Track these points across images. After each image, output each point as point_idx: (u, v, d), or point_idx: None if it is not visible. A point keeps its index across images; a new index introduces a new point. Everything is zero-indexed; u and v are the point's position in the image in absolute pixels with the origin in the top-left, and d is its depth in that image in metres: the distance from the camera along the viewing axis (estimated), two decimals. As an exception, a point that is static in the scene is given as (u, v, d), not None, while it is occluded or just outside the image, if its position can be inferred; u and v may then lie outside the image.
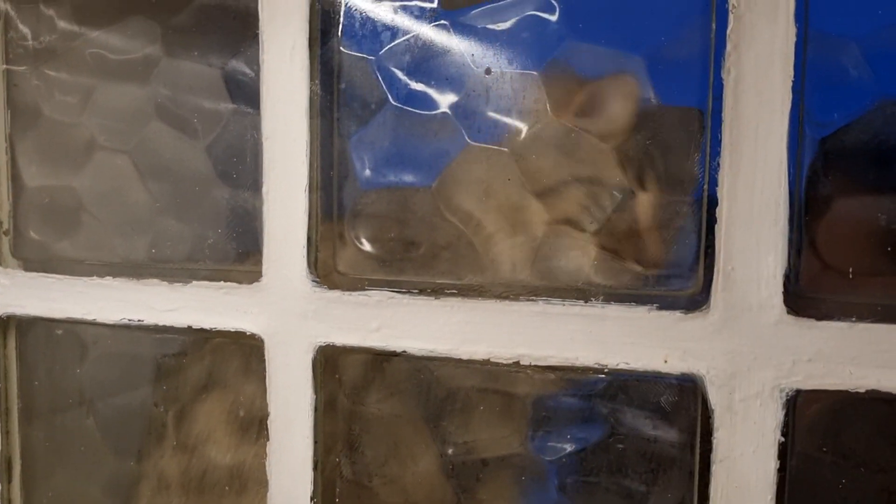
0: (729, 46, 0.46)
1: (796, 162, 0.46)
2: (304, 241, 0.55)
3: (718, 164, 0.47)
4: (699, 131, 0.49)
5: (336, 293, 0.55)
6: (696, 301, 0.48)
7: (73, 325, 0.65)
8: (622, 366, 0.49)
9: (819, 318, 0.46)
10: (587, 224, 0.51)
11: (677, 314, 0.48)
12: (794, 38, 0.45)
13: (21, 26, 0.65)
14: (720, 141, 0.46)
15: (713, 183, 0.47)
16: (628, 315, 0.49)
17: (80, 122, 0.64)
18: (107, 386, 0.66)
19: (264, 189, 0.56)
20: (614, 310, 0.49)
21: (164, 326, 0.60)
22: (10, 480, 0.68)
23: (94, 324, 0.62)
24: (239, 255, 0.60)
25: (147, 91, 0.61)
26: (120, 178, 0.63)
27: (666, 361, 0.48)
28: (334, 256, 0.57)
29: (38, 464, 0.68)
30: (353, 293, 0.54)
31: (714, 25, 0.48)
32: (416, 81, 0.54)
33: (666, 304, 0.48)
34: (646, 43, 0.49)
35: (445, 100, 0.53)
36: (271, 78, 0.55)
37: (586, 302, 0.49)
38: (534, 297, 0.51)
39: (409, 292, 0.53)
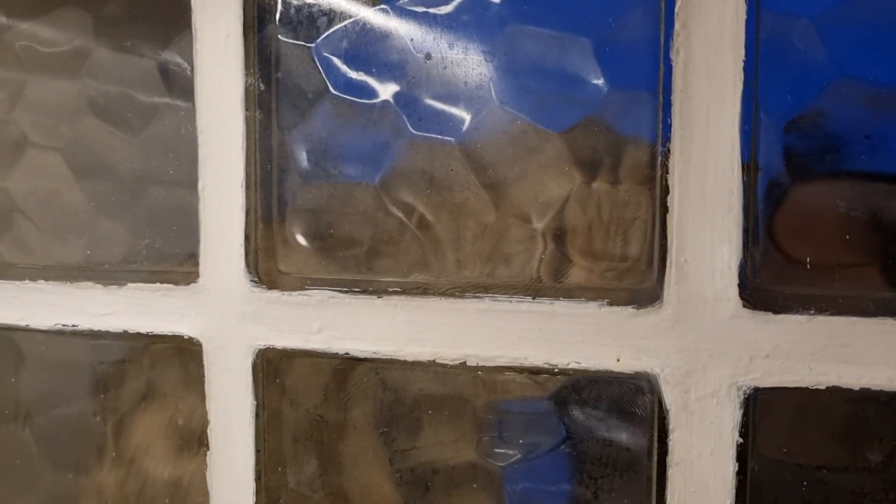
0: (677, 25, 0.43)
1: (751, 147, 0.44)
2: (241, 240, 0.52)
3: (669, 151, 0.44)
4: (649, 116, 0.46)
5: (275, 293, 0.52)
6: (649, 296, 0.46)
7: (6, 332, 0.62)
8: (573, 365, 0.46)
9: (777, 312, 0.43)
10: (535, 217, 0.48)
11: (629, 310, 0.45)
12: (744, 17, 0.43)
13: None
14: (671, 126, 0.44)
15: (664, 170, 0.45)
16: (578, 312, 0.46)
17: (11, 118, 0.61)
18: (43, 395, 0.63)
19: (200, 185, 0.53)
20: (564, 306, 0.46)
21: (100, 332, 0.57)
22: (-56, 497, 0.64)
23: (27, 330, 0.59)
24: (176, 256, 0.57)
25: (79, 85, 0.58)
26: (52, 178, 0.60)
27: (619, 360, 0.45)
28: (274, 255, 0.54)
29: (-25, 478, 0.65)
30: (293, 293, 0.51)
31: (663, 4, 0.45)
32: (356, 69, 0.51)
33: (617, 300, 0.46)
34: (593, 24, 0.47)
35: (386, 88, 0.50)
36: (205, 69, 0.52)
37: (535, 298, 0.47)
38: (480, 294, 0.48)
39: (350, 291, 0.51)
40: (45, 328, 0.58)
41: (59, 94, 0.59)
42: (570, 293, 0.47)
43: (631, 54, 0.46)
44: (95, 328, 0.57)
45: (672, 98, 0.44)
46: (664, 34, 0.45)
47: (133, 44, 0.57)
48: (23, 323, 0.59)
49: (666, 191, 0.44)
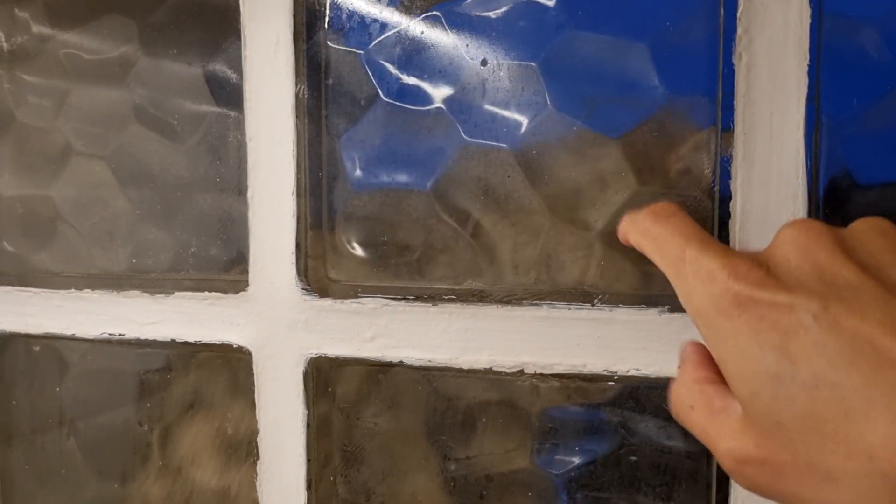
0: (740, 30, 0.43)
1: (813, 151, 0.44)
2: (292, 247, 0.52)
3: (730, 156, 0.44)
4: (708, 121, 0.46)
5: (327, 301, 0.52)
6: (711, 302, 0.45)
7: (51, 341, 0.62)
8: (633, 372, 0.46)
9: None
10: (593, 222, 0.48)
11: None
12: (808, 20, 0.42)
13: (-7, 29, 0.62)
14: (733, 130, 0.44)
15: (725, 176, 0.44)
16: (638, 318, 0.46)
17: (55, 127, 0.60)
18: (88, 404, 0.63)
19: (249, 193, 0.53)
20: (623, 313, 0.46)
21: (147, 340, 0.57)
22: (-12, 506, 0.64)
23: (73, 339, 0.59)
24: (224, 264, 0.57)
25: (124, 93, 0.58)
26: (98, 186, 0.60)
27: (680, 367, 0.45)
28: (325, 263, 0.54)
29: (18, 487, 0.65)
30: (346, 301, 0.51)
31: (722, 9, 0.45)
32: (408, 75, 0.51)
33: (678, 306, 0.45)
34: (650, 29, 0.46)
35: (439, 94, 0.50)
36: (254, 76, 0.52)
37: (593, 305, 0.47)
38: (537, 302, 0.48)
39: (404, 299, 0.50)
40: (90, 337, 0.58)
41: (104, 102, 0.59)
42: (630, 300, 0.47)
43: (689, 59, 0.46)
44: (142, 337, 0.57)
45: (734, 103, 0.43)
46: (723, 38, 0.45)
47: (179, 51, 0.57)
48: (68, 332, 0.59)
49: (728, 196, 0.44)
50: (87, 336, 0.58)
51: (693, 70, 0.46)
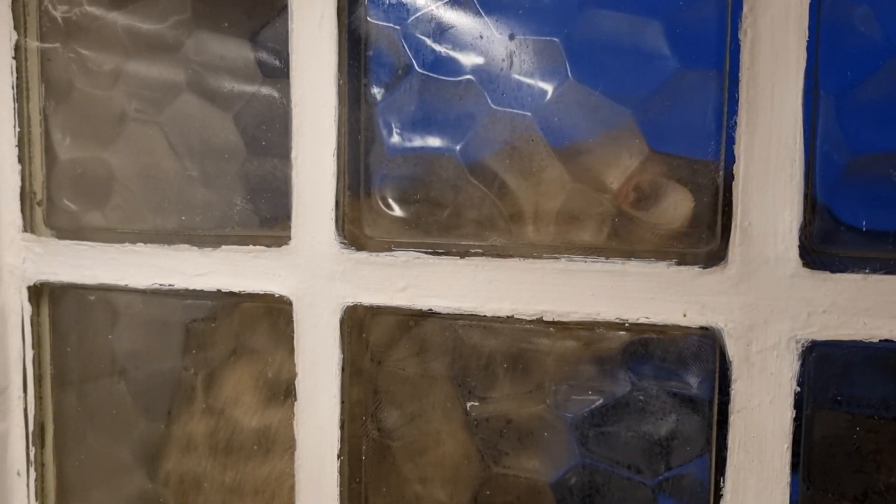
0: (745, 8, 0.47)
1: (811, 120, 0.48)
2: (332, 205, 0.57)
3: (735, 123, 0.48)
4: (717, 92, 0.50)
5: (363, 254, 0.56)
6: (715, 256, 0.50)
7: (104, 292, 0.67)
8: (642, 320, 0.50)
9: (834, 271, 0.47)
10: (609, 183, 0.52)
11: (696, 269, 0.49)
12: (808, 0, 0.47)
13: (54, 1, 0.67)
14: (737, 100, 0.48)
15: (730, 141, 0.49)
16: (648, 271, 0.50)
17: (112, 94, 0.65)
18: (138, 351, 0.68)
19: (293, 154, 0.57)
20: (634, 266, 0.50)
21: (195, 291, 0.61)
22: (42, 445, 0.69)
23: (125, 290, 0.64)
24: (267, 221, 0.62)
25: (177, 63, 0.63)
26: (151, 149, 0.65)
27: (685, 315, 0.50)
28: (361, 219, 0.58)
29: (70, 428, 0.70)
30: (381, 254, 0.56)
31: (731, -11, 0.49)
32: (441, 48, 0.55)
33: (685, 260, 0.50)
34: (664, 7, 0.51)
35: (469, 65, 0.54)
36: (300, 46, 0.57)
37: (607, 259, 0.51)
38: (556, 256, 0.52)
39: (434, 252, 0.55)
40: (142, 287, 0.63)
41: (158, 71, 0.64)
42: (641, 254, 0.51)
43: (699, 35, 0.51)
44: (190, 287, 0.61)
45: (739, 75, 0.48)
46: (731, 15, 0.49)
47: (230, 24, 0.61)
48: (122, 283, 0.63)
49: (732, 160, 0.48)
50: (138, 286, 0.63)
51: (703, 45, 0.50)
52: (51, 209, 0.68)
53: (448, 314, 0.55)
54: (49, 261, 0.66)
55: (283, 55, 0.58)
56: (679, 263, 0.50)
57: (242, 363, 0.64)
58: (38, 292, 0.68)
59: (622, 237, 0.52)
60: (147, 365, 0.68)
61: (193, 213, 0.64)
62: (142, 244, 0.63)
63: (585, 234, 0.53)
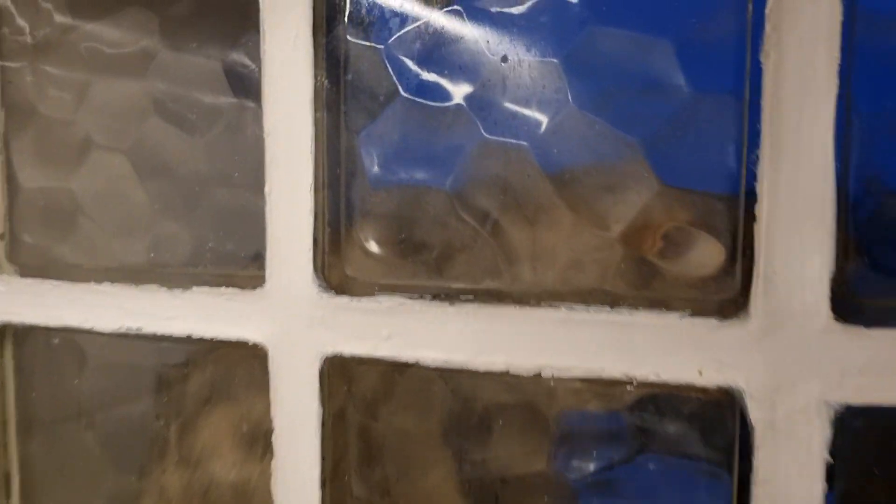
0: (768, 27, 0.42)
1: (843, 153, 0.42)
2: (309, 244, 0.52)
3: (757, 157, 0.43)
4: (735, 121, 0.45)
5: (344, 299, 0.51)
6: (734, 307, 0.44)
7: (70, 334, 0.62)
8: (652, 378, 0.45)
9: (870, 326, 0.41)
10: (613, 222, 0.47)
11: (713, 321, 0.44)
12: (840, 17, 0.41)
13: (18, 20, 0.62)
14: (759, 131, 0.42)
15: (751, 177, 0.43)
16: (659, 322, 0.45)
17: (76, 119, 0.60)
18: (106, 397, 0.63)
19: (266, 189, 0.52)
20: (643, 317, 0.45)
21: (164, 335, 0.56)
22: (8, 496, 0.65)
23: (91, 332, 0.59)
24: (242, 259, 0.56)
25: (144, 86, 0.58)
26: (117, 179, 0.60)
27: (700, 373, 0.44)
28: (342, 260, 0.53)
29: (37, 478, 0.65)
30: (363, 299, 0.51)
31: (751, 6, 0.44)
32: (428, 71, 0.50)
33: (700, 311, 0.44)
34: (676, 25, 0.45)
35: (459, 90, 0.49)
36: (273, 70, 0.51)
37: (613, 308, 0.46)
38: (556, 304, 0.47)
39: (421, 298, 0.50)
40: (108, 331, 0.58)
41: (123, 95, 0.59)
42: (650, 303, 0.46)
43: (715, 57, 0.45)
44: (160, 332, 0.56)
45: (762, 102, 0.42)
46: (751, 36, 0.44)
47: (199, 45, 0.56)
48: (87, 325, 0.58)
49: (753, 198, 0.43)
50: (105, 330, 0.58)
51: (719, 68, 0.45)
52: (13, 243, 0.63)
53: (437, 367, 0.49)
54: (12, 300, 0.61)
55: (257, 79, 0.53)
56: (693, 315, 0.44)
57: (217, 413, 0.58)
58: (2, 334, 0.63)
59: (630, 283, 0.47)
60: (117, 412, 0.63)
61: (163, 249, 0.59)
62: (108, 283, 0.58)
63: (588, 279, 0.47)
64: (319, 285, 0.52)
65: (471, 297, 0.49)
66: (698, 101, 0.45)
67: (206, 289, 0.55)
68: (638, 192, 0.46)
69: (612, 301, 0.46)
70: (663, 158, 0.46)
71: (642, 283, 0.46)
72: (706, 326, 0.44)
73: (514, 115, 0.48)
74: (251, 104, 0.55)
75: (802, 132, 0.41)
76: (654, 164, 0.46)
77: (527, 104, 0.48)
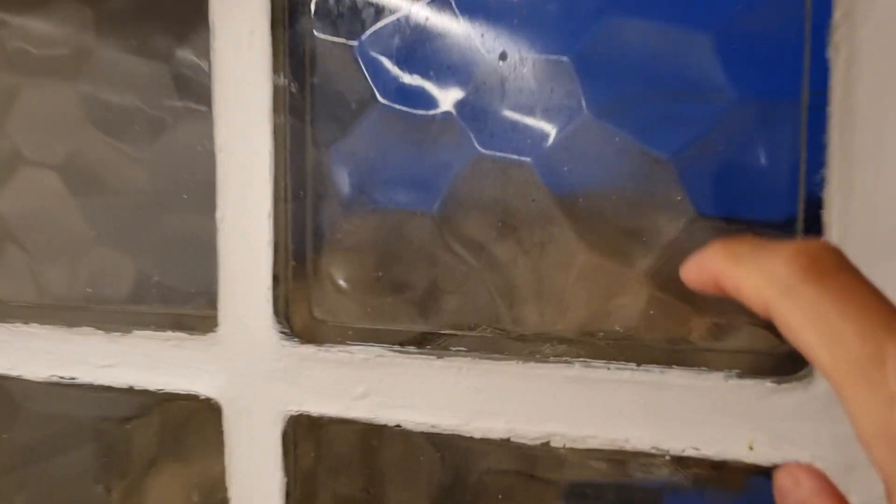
0: (837, 15, 0.33)
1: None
2: (269, 281, 0.43)
3: (822, 179, 0.34)
4: (791, 133, 0.36)
5: (310, 348, 0.42)
6: (791, 366, 0.35)
7: (-2, 381, 0.54)
8: (690, 452, 0.36)
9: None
10: (640, 257, 0.38)
11: (766, 384, 0.35)
12: (929, 2, 0.32)
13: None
14: (824, 145, 0.34)
15: (813, 204, 0.34)
16: (698, 384, 0.36)
17: (1, 131, 0.52)
18: (40, 454, 0.54)
19: (218, 214, 0.43)
20: (678, 376, 0.36)
21: (102, 386, 0.48)
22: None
23: (19, 380, 0.50)
24: (192, 297, 0.48)
25: (78, 90, 0.49)
26: (48, 200, 0.51)
27: (751, 448, 0.35)
28: (308, 300, 0.45)
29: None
30: (333, 348, 0.42)
31: (811, -12, 0.35)
32: (410, 73, 0.41)
33: (750, 370, 0.35)
34: (715, 14, 0.36)
35: (448, 96, 0.40)
36: (225, 73, 0.43)
37: (639, 365, 0.37)
38: (568, 358, 0.38)
39: (403, 348, 0.41)
40: (39, 379, 0.49)
41: (55, 102, 0.50)
42: (687, 359, 0.37)
43: (765, 53, 0.36)
44: (97, 382, 0.48)
45: (829, 109, 0.33)
46: (811, 26, 0.35)
47: (141, 43, 0.48)
48: (13, 372, 0.50)
49: (816, 228, 0.34)
50: (35, 378, 0.49)
51: (771, 66, 0.36)
52: (-68, 276, 0.54)
53: (423, 432, 0.41)
54: (-69, 341, 0.52)
55: (207, 83, 0.44)
56: (742, 375, 0.35)
57: (165, 476, 0.50)
58: (-83, 379, 0.54)
59: (661, 334, 0.38)
60: (51, 471, 0.54)
61: (101, 283, 0.50)
62: (37, 325, 0.49)
63: (608, 328, 0.39)
64: (281, 331, 0.43)
65: (462, 347, 0.41)
66: (744, 108, 0.36)
67: (149, 332, 0.46)
68: (669, 220, 0.37)
69: (639, 356, 0.37)
70: (700, 180, 0.37)
71: (676, 334, 0.38)
72: (758, 389, 0.35)
73: (515, 125, 0.39)
74: (201, 114, 0.46)
75: (883, 148, 0.33)
76: (688, 187, 0.37)
77: (530, 112, 0.39)
